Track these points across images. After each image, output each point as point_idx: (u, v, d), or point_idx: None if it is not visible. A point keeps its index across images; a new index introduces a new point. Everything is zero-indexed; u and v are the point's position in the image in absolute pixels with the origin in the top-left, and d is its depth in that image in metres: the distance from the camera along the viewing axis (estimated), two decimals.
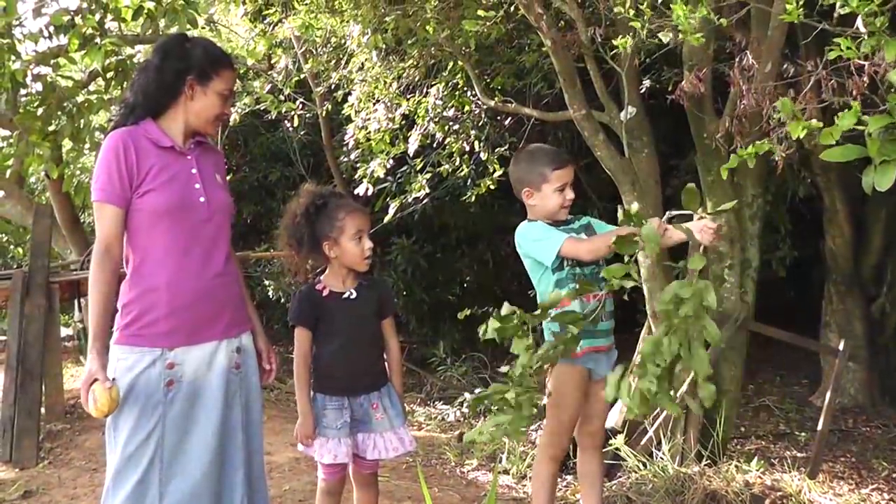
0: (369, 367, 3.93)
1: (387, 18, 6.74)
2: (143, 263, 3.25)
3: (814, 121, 3.09)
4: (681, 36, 3.80)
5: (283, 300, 10.60)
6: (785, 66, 4.59)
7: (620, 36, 4.34)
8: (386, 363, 4.02)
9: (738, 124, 4.86)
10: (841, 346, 5.95)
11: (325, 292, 3.86)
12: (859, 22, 3.25)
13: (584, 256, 3.93)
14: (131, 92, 3.41)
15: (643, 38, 4.01)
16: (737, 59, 4.73)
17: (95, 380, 3.00)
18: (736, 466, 5.43)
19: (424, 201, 9.03)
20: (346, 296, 3.87)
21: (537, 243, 4.06)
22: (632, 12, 3.86)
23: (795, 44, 5.89)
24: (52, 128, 7.46)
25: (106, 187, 3.17)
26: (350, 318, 3.86)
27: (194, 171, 3.35)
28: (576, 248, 3.93)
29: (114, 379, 3.07)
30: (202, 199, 3.31)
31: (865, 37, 3.16)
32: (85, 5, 7.05)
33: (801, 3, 3.33)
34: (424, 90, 8.30)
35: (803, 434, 7.02)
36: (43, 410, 7.13)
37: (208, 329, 3.31)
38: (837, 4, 3.16)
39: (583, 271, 4.09)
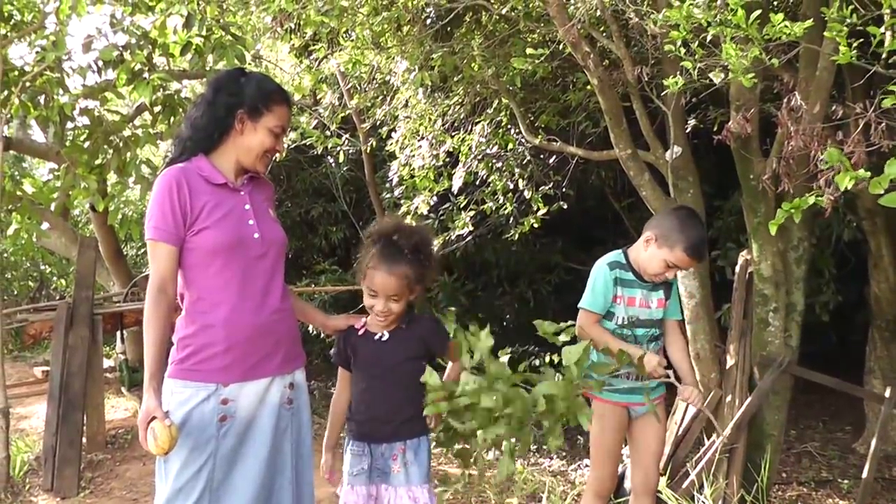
0: (392, 414, 3.65)
1: (433, 55, 6.76)
2: (200, 300, 3.25)
3: (861, 170, 3.07)
4: (731, 75, 3.79)
5: (322, 335, 10.62)
6: (833, 107, 4.56)
7: (669, 75, 4.33)
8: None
9: (785, 166, 4.83)
10: (888, 393, 5.87)
11: (361, 331, 3.72)
12: None
13: (585, 339, 4.04)
14: (184, 127, 3.43)
15: (694, 77, 4.00)
16: (785, 100, 4.71)
17: (154, 417, 2.99)
18: None
19: (467, 239, 9.03)
20: (377, 337, 3.69)
21: (590, 286, 4.32)
22: (682, 50, 3.84)
23: (842, 85, 5.86)
24: (98, 161, 7.52)
25: (160, 225, 3.17)
26: (377, 360, 3.67)
27: (247, 207, 3.35)
28: (589, 330, 4.27)
29: (167, 412, 3.06)
30: (256, 236, 3.31)
31: None
32: (133, 41, 7.13)
33: (853, 45, 3.32)
34: (469, 127, 8.33)
35: (846, 482, 6.91)
36: (84, 440, 7.17)
37: (264, 365, 3.30)
38: (886, 46, 3.15)
39: (634, 333, 4.27)
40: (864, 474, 5.67)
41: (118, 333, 10.23)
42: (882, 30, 3.11)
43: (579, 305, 4.33)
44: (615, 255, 4.34)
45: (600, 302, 4.25)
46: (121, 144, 7.51)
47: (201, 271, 3.23)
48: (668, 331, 4.46)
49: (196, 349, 3.20)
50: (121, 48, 7.07)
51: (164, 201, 3.17)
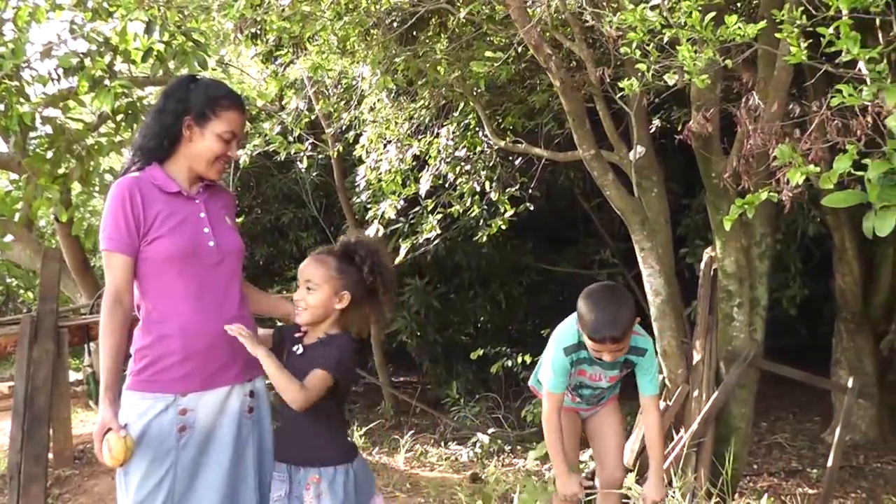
0: (300, 435, 3.42)
1: (397, 59, 6.78)
2: (155, 310, 3.24)
3: (811, 166, 3.12)
4: (686, 77, 3.83)
5: None
6: (791, 106, 4.62)
7: (628, 77, 4.37)
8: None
9: (745, 164, 4.88)
10: (850, 384, 5.95)
11: (298, 336, 3.54)
12: (862, 64, 3.29)
13: (547, 423, 4.31)
14: (138, 136, 3.44)
15: (650, 79, 4.04)
16: (743, 100, 4.77)
17: (109, 429, 3.00)
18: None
19: (436, 242, 9.03)
20: (294, 349, 3.50)
21: (551, 367, 4.30)
22: (638, 53, 3.89)
23: (803, 83, 5.92)
24: (61, 171, 7.46)
25: (114, 236, 3.17)
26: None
27: (202, 215, 3.34)
28: (549, 419, 4.31)
29: (126, 425, 3.06)
30: (211, 244, 3.30)
31: (868, 80, 3.19)
32: (94, 47, 7.09)
33: (805, 45, 3.37)
34: (435, 131, 8.34)
35: (815, 471, 7.00)
36: (51, 456, 7.09)
37: (222, 374, 3.29)
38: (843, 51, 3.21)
39: (580, 393, 4.49)
40: (829, 463, 5.75)
41: (86, 346, 10.17)
42: (830, 30, 3.16)
43: (544, 388, 4.34)
44: (570, 334, 4.23)
45: (561, 384, 4.28)
46: (84, 153, 7.45)
47: (156, 281, 3.23)
48: (643, 409, 4.48)
49: (153, 360, 3.20)
50: (81, 55, 7.02)
51: (118, 211, 3.17)
